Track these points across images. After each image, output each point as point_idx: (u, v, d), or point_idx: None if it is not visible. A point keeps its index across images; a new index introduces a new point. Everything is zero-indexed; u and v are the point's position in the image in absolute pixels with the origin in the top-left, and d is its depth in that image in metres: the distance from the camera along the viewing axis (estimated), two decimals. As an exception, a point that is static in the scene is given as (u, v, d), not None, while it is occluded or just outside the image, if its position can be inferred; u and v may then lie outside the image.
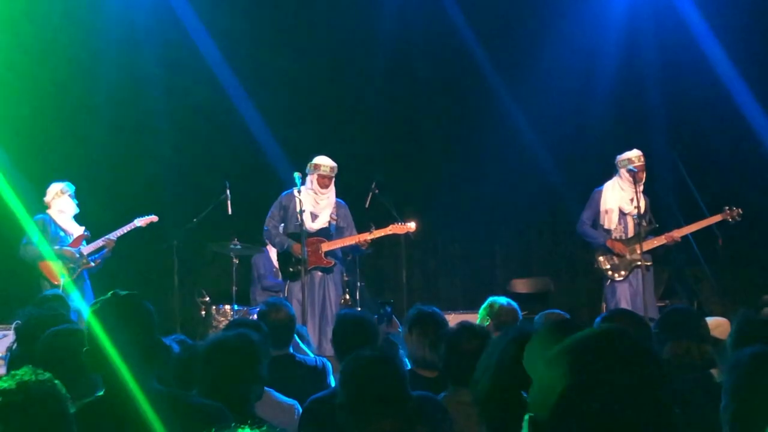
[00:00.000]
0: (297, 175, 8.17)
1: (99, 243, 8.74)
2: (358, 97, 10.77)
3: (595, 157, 10.01)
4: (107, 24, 10.24)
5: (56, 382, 2.32)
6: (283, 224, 8.44)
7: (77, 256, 8.62)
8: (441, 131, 10.96)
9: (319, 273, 8.28)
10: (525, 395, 1.57)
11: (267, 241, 8.71)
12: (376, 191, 9.13)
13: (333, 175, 8.40)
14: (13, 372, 2.30)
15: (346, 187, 9.99)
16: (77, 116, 10.36)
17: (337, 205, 8.47)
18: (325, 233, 8.34)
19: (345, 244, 8.41)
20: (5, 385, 2.27)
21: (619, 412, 1.39)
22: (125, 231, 8.87)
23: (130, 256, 9.84)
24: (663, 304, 8.72)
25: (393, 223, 8.52)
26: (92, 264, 8.70)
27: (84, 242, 8.76)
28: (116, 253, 9.61)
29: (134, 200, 10.40)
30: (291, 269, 8.33)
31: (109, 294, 2.75)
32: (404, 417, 2.88)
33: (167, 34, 10.27)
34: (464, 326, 3.94)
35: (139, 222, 8.92)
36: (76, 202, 8.76)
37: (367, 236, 8.37)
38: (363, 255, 8.97)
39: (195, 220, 9.36)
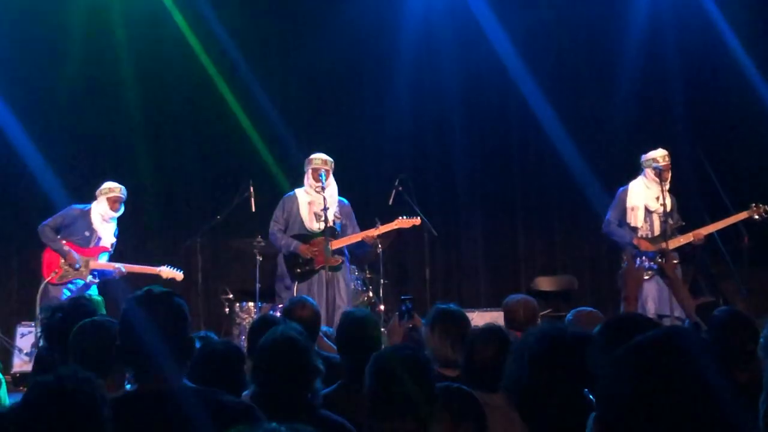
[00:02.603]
0: (323, 173, 8.20)
1: (111, 265, 8.49)
2: (381, 94, 10.75)
3: (620, 155, 9.96)
4: (128, 26, 10.28)
5: (97, 382, 2.33)
6: (286, 227, 8.42)
7: (77, 263, 8.33)
8: (465, 128, 10.93)
9: (327, 272, 8.22)
10: (588, 394, 1.57)
11: (273, 244, 8.62)
12: (400, 188, 9.13)
13: (327, 168, 8.34)
14: (59, 369, 2.32)
15: (369, 184, 10.02)
16: (99, 111, 10.40)
17: (340, 204, 8.44)
18: (331, 232, 8.31)
19: (351, 242, 8.37)
20: (45, 380, 2.28)
21: (688, 411, 1.39)
22: (145, 271, 8.65)
23: (154, 253, 9.88)
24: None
25: (398, 218, 8.49)
26: (87, 280, 8.38)
27: (104, 255, 8.52)
28: (140, 250, 9.68)
29: (157, 198, 10.47)
30: (299, 270, 8.30)
31: (144, 290, 2.76)
32: (427, 415, 2.86)
33: (190, 29, 10.28)
34: (483, 329, 3.92)
35: (164, 273, 8.69)
36: (120, 210, 8.55)
37: (374, 232, 8.34)
38: (368, 252, 8.90)
39: (219, 217, 9.38)
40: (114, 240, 8.63)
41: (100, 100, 10.37)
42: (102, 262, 8.51)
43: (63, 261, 8.36)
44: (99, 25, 10.21)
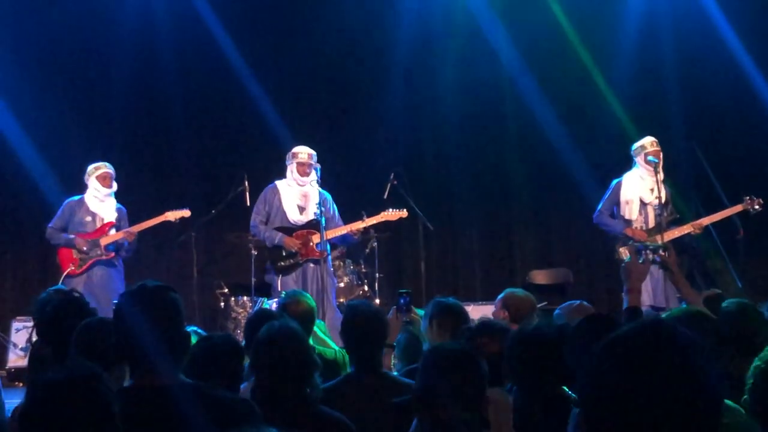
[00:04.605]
0: (317, 167, 8.20)
1: (119, 234, 8.48)
2: (377, 87, 10.74)
3: (614, 148, 9.95)
4: (125, 16, 10.26)
5: (104, 376, 2.29)
6: (267, 219, 8.41)
7: (86, 247, 8.32)
8: (460, 121, 10.92)
9: (312, 265, 8.21)
10: (568, 391, 1.56)
11: (255, 237, 8.59)
12: (395, 182, 9.12)
13: (312, 162, 8.34)
14: (66, 363, 2.28)
15: (364, 179, 10.01)
16: (94, 108, 10.39)
17: (321, 196, 8.38)
18: (314, 225, 8.29)
19: (337, 234, 8.36)
20: (54, 376, 2.25)
21: (670, 404, 1.39)
22: (153, 224, 8.66)
23: (149, 247, 9.87)
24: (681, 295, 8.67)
25: (384, 211, 8.48)
26: (105, 256, 8.37)
27: (113, 230, 8.50)
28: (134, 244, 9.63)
29: (152, 192, 10.45)
30: (282, 263, 8.28)
31: (138, 285, 2.75)
32: (478, 406, 2.82)
33: (184, 25, 10.27)
34: (485, 324, 3.90)
35: (171, 216, 8.67)
36: (113, 186, 8.51)
37: (360, 225, 8.33)
38: (353, 245, 8.89)
39: (213, 211, 9.38)
40: (116, 215, 8.57)
41: (92, 94, 10.34)
42: (111, 234, 8.50)
43: (75, 251, 8.37)
44: (92, 19, 10.19)
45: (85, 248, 8.34)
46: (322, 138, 9.20)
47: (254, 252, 9.02)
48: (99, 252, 8.39)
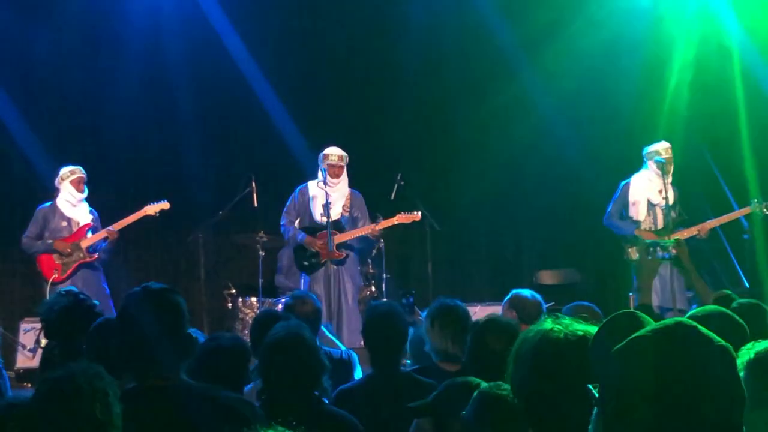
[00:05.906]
0: (324, 168, 8.23)
1: (101, 234, 8.32)
2: (383, 89, 10.74)
3: (622, 148, 9.94)
4: (133, 16, 10.28)
5: (106, 377, 2.30)
6: (299, 219, 8.46)
7: (68, 250, 8.20)
8: (467, 122, 10.92)
9: (333, 266, 8.23)
10: (592, 389, 1.56)
11: (283, 237, 8.65)
12: (402, 183, 9.13)
13: (343, 164, 8.37)
14: (69, 364, 2.30)
15: (371, 180, 10.01)
16: (101, 109, 10.40)
17: (352, 196, 8.45)
18: (336, 225, 8.31)
19: (355, 236, 8.39)
20: (56, 374, 2.26)
21: (698, 405, 1.40)
22: (133, 220, 8.47)
23: (157, 248, 9.89)
24: (691, 296, 8.67)
25: (399, 213, 8.49)
26: (88, 258, 8.27)
27: (89, 232, 8.37)
28: (142, 245, 9.66)
29: (159, 193, 10.46)
30: (306, 263, 8.34)
31: (141, 286, 2.75)
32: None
33: (192, 26, 10.28)
34: (492, 320, 3.89)
35: (150, 210, 8.49)
36: (85, 191, 8.37)
37: (375, 227, 8.35)
38: (373, 247, 8.92)
39: (221, 212, 9.38)
40: (92, 217, 8.44)
41: (98, 94, 10.36)
42: (91, 236, 8.37)
43: (56, 256, 8.28)
44: (101, 19, 10.22)
45: (68, 250, 8.21)
46: (329, 138, 9.17)
47: (262, 253, 9.04)
48: (81, 255, 8.27)
